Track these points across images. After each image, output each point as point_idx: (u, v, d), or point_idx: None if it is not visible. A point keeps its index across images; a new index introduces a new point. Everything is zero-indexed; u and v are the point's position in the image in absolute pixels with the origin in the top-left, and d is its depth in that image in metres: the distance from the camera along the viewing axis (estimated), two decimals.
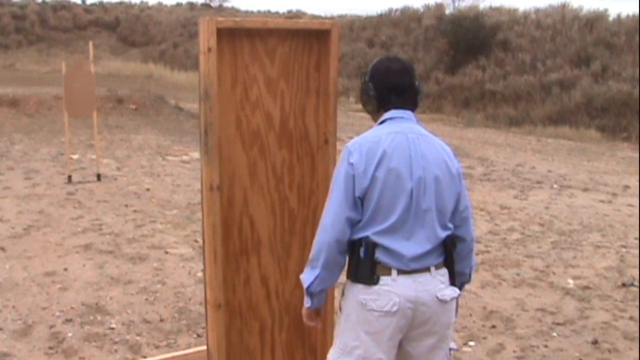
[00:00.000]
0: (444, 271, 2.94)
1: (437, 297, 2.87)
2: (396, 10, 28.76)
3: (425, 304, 2.85)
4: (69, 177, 10.48)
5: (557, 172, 12.95)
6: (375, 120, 3.05)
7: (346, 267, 2.94)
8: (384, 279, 2.82)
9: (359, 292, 2.86)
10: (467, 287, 6.35)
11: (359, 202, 2.83)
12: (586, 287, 6.55)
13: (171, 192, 10.15)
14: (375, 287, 2.82)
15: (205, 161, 3.36)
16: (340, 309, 2.99)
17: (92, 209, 8.98)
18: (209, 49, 3.25)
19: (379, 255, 2.82)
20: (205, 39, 3.25)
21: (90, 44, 11.19)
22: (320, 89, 3.63)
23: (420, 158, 2.86)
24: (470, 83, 23.18)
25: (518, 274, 6.89)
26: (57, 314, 5.62)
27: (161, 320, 5.53)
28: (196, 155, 13.31)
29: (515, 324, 5.61)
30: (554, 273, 6.94)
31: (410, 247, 2.83)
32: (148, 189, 10.24)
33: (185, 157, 13.21)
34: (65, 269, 6.63)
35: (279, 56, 3.53)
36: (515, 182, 11.76)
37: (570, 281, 6.72)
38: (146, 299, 5.97)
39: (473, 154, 14.68)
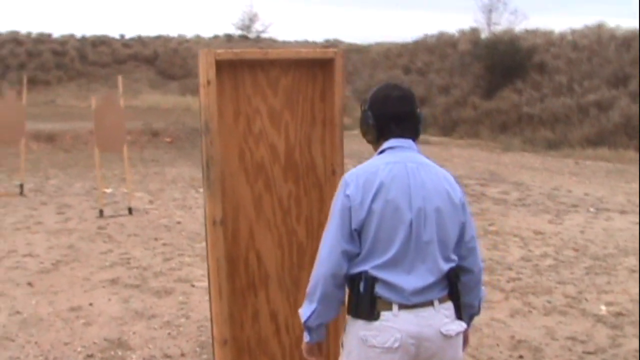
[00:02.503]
0: (449, 305, 2.83)
1: (441, 332, 2.77)
2: (431, 36, 28.75)
3: (428, 340, 2.74)
4: (101, 212, 10.54)
5: (594, 195, 12.70)
6: (376, 150, 2.98)
7: (346, 303, 2.86)
8: (384, 314, 2.73)
9: (359, 328, 2.77)
10: (495, 315, 6.28)
11: (355, 234, 2.76)
12: (619, 314, 6.35)
13: (202, 224, 10.08)
14: (376, 323, 2.73)
15: (207, 195, 3.32)
16: (342, 346, 2.90)
17: (121, 243, 8.99)
18: (208, 82, 3.22)
19: (379, 289, 2.74)
20: (205, 71, 3.22)
21: (120, 78, 11.30)
22: (327, 120, 3.58)
23: (420, 188, 2.77)
24: (507, 107, 22.98)
25: (549, 302, 6.72)
26: (79, 349, 5.60)
27: (182, 354, 5.48)
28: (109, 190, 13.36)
29: (544, 354, 5.45)
30: (586, 300, 6.76)
31: (411, 280, 2.74)
32: (179, 222, 10.24)
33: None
34: (91, 304, 6.62)
35: (282, 87, 3.49)
36: (550, 207, 11.55)
37: (603, 308, 6.53)
38: (169, 333, 5.92)
39: (509, 179, 14.48)
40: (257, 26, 49.86)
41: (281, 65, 3.46)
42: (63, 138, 17.45)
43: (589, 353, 5.47)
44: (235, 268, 3.50)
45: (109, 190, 12.46)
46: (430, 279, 2.76)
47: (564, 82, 22.45)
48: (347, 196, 2.76)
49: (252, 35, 50.02)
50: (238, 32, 50.72)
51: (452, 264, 2.83)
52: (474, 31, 28.36)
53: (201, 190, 13.05)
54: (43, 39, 39.76)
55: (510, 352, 5.50)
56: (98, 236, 9.31)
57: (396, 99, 2.93)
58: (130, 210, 10.76)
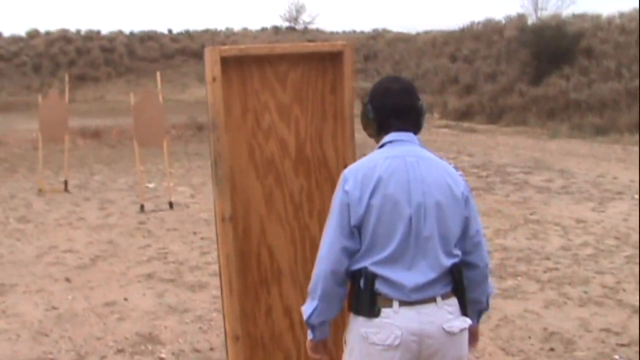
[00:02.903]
0: (453, 301, 2.78)
1: (443, 329, 2.72)
2: (478, 23, 28.40)
3: (431, 337, 2.70)
4: (142, 206, 10.66)
5: None
6: (378, 144, 2.94)
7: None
8: (385, 311, 2.69)
9: (360, 325, 2.73)
10: (529, 307, 6.18)
11: (355, 231, 2.72)
12: None
13: None
14: (376, 320, 2.69)
15: (216, 192, 3.32)
16: (345, 342, 2.87)
17: (160, 237, 9.08)
18: (214, 79, 3.22)
19: (379, 286, 2.70)
20: (210, 68, 3.22)
21: (158, 74, 11.36)
22: (337, 113, 3.54)
23: (420, 182, 2.72)
24: (554, 93, 22.59)
25: (585, 292, 6.59)
26: (111, 344, 5.67)
27: (211, 349, 5.50)
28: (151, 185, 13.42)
29: (576, 346, 5.34)
30: (624, 290, 6.61)
31: (411, 277, 2.69)
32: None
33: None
34: (126, 299, 6.70)
35: (290, 81, 3.46)
36: (594, 194, 11.33)
37: None
38: (200, 328, 5.96)
39: (554, 167, 14.25)
40: (304, 17, 50.01)
41: (290, 60, 3.44)
42: (109, 134, 17.69)
43: (623, 345, 5.35)
44: (247, 264, 3.49)
45: (151, 185, 12.60)
46: (431, 275, 2.71)
47: (612, 66, 21.99)
48: (346, 192, 2.73)
49: (299, 27, 50.07)
50: (285, 24, 50.82)
51: (455, 259, 2.78)
52: (521, 17, 27.95)
53: None
54: (92, 36, 40.40)
55: (541, 344, 5.41)
56: (138, 231, 9.42)
57: (396, 91, 2.87)
58: (171, 205, 10.86)
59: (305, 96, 3.49)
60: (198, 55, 44.40)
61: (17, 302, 6.73)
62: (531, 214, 9.99)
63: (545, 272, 7.27)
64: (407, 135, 2.84)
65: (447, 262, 2.74)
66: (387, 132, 2.86)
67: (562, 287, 6.75)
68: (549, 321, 5.88)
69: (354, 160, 3.57)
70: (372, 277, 2.70)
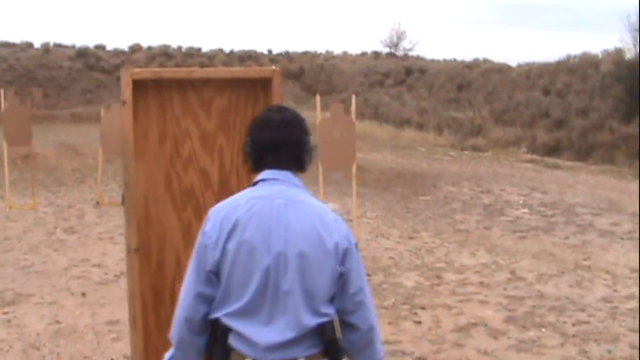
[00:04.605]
0: None
1: None
2: (574, 56, 27.52)
3: None
4: None
5: None
6: None
7: None
8: None
9: None
10: None
11: (212, 276, 2.48)
12: None
13: None
14: None
15: (125, 222, 3.14)
16: None
17: None
18: (124, 102, 3.05)
19: (233, 340, 2.46)
20: (122, 91, 3.05)
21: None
22: None
23: (283, 230, 2.45)
24: None
25: (610, 352, 6.09)
26: None
27: None
28: (330, 206, 13.13)
29: None
30: None
31: (266, 334, 2.42)
32: None
33: None
34: None
35: (216, 108, 3.26)
36: None
37: None
38: None
39: (627, 209, 13.47)
40: (405, 44, 49.64)
41: (216, 85, 3.24)
42: None
43: None
44: (161, 300, 3.29)
45: None
46: (289, 334, 2.43)
47: None
48: (204, 233, 2.50)
49: (399, 53, 49.81)
50: (385, 50, 50.66)
51: (325, 319, 2.48)
52: (618, 51, 26.87)
53: None
54: (192, 52, 41.33)
55: None
56: None
57: (275, 123, 2.60)
58: None
59: (232, 124, 3.28)
60: (296, 77, 44.83)
61: (26, 313, 6.76)
62: (584, 259, 9.42)
63: (574, 325, 6.78)
64: (283, 174, 2.57)
65: (312, 321, 2.45)
66: (262, 169, 2.61)
67: (586, 344, 6.26)
68: None
69: None
70: (224, 330, 2.46)
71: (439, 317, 6.86)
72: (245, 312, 2.43)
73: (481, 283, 8.13)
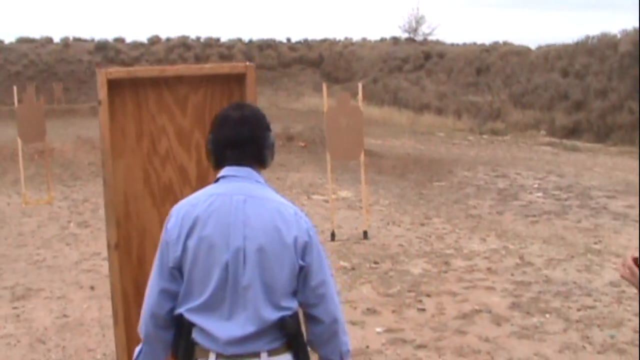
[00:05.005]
0: (285, 357, 2.53)
1: None
2: (593, 37, 27.17)
3: None
4: None
5: None
6: None
7: None
8: None
9: None
10: (541, 350, 5.75)
11: (175, 272, 2.53)
12: None
13: None
14: None
15: (105, 218, 3.20)
16: None
17: None
18: (99, 102, 3.09)
19: (196, 335, 2.51)
20: (98, 91, 3.10)
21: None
22: None
23: (242, 225, 2.49)
24: None
25: (612, 336, 6.07)
26: (99, 356, 5.69)
27: None
28: (344, 194, 13.19)
29: None
30: None
31: (227, 328, 2.47)
32: None
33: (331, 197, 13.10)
34: None
35: (191, 105, 3.30)
36: None
37: None
38: None
39: None
40: (424, 29, 49.30)
41: (190, 82, 3.28)
42: None
43: None
44: (143, 294, 3.32)
45: None
46: (250, 328, 2.47)
47: None
48: (167, 230, 2.55)
49: (418, 38, 49.51)
50: (405, 35, 50.37)
51: (286, 312, 2.51)
52: (637, 31, 26.51)
53: (314, 196, 13.06)
54: (211, 43, 41.37)
55: None
56: None
57: (234, 120, 2.62)
58: None
59: (208, 120, 3.30)
60: (315, 64, 44.78)
61: (35, 308, 6.87)
62: (595, 243, 9.38)
63: (579, 310, 6.77)
64: (243, 171, 2.61)
65: (272, 315, 2.49)
66: (223, 166, 2.64)
67: (589, 329, 6.25)
68: None
69: None
70: (188, 325, 2.52)
71: (444, 305, 6.88)
72: (207, 308, 2.48)
73: (489, 269, 8.13)
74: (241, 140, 2.61)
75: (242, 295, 2.47)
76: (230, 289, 2.46)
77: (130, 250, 3.29)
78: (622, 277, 2.49)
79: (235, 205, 2.51)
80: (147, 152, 3.28)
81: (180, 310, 2.52)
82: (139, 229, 3.32)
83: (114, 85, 3.13)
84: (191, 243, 2.49)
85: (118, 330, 3.25)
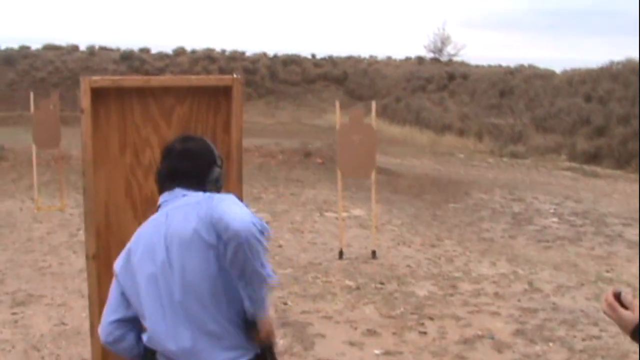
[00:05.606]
0: None
1: None
2: (618, 62, 27.01)
3: None
4: None
5: None
6: None
7: None
8: None
9: None
10: None
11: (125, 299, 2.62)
12: None
13: (301, 250, 9.98)
14: None
15: (84, 229, 3.15)
16: None
17: None
18: (82, 111, 3.05)
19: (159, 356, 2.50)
20: (81, 99, 3.06)
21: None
22: (230, 154, 3.29)
23: (163, 239, 2.46)
24: None
25: None
26: None
27: None
28: (356, 212, 13.11)
29: None
30: None
31: (178, 342, 2.45)
32: (280, 246, 10.13)
33: (343, 214, 13.02)
34: None
35: (177, 117, 3.26)
36: None
37: None
38: None
39: None
40: (449, 49, 49.21)
41: (177, 94, 3.23)
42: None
43: None
44: None
45: None
46: (197, 341, 2.45)
47: None
48: (123, 256, 2.60)
49: (443, 58, 49.40)
50: (430, 55, 50.28)
51: (228, 323, 2.48)
52: None
53: (327, 213, 12.99)
54: (236, 56, 41.49)
55: None
56: None
57: (177, 153, 2.62)
58: None
59: (193, 133, 3.27)
60: (339, 81, 44.77)
61: (34, 314, 6.85)
62: (607, 271, 9.22)
63: (584, 339, 6.62)
64: (172, 194, 2.59)
65: (213, 326, 2.46)
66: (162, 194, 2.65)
67: None
68: None
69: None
70: (151, 354, 2.51)
71: (446, 328, 6.76)
72: (152, 326, 2.46)
73: (496, 294, 8.00)
74: (179, 174, 2.58)
75: (180, 310, 2.45)
76: (166, 305, 2.44)
77: (110, 261, 3.22)
78: (603, 312, 2.39)
79: (158, 225, 2.51)
80: (130, 163, 3.24)
81: (144, 337, 2.52)
82: (118, 240, 3.26)
83: (99, 94, 3.09)
84: (129, 271, 2.56)
85: (94, 342, 3.20)
